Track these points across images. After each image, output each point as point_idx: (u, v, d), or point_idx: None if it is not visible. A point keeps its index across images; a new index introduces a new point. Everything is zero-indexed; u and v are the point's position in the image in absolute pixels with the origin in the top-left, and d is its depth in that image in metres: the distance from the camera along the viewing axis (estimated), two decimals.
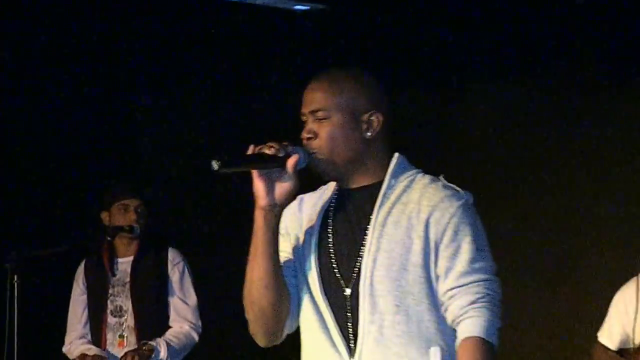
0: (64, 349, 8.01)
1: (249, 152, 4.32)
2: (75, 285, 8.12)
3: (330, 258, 4.44)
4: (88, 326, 8.00)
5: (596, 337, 6.94)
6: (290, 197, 4.38)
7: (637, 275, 6.87)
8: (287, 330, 4.45)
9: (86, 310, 8.07)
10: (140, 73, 11.02)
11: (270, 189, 4.32)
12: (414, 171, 4.46)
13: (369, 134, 4.42)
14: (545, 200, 9.12)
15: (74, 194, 8.26)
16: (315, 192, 4.54)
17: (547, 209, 9.07)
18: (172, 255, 8.22)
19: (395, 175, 4.43)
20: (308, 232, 4.46)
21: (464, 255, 4.26)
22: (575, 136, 9.09)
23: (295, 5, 9.40)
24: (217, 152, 4.25)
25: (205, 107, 11.14)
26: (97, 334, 8.01)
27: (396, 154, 4.46)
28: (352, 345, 4.36)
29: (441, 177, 4.41)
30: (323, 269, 4.42)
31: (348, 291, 4.37)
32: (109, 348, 7.99)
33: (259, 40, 10.14)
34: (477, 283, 4.26)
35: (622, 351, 6.95)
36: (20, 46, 9.92)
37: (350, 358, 4.35)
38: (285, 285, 4.42)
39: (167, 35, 10.26)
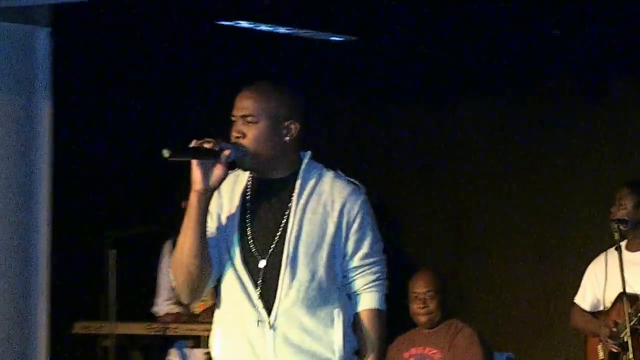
0: (153, 309, 8.00)
1: (192, 144, 4.27)
2: (162, 259, 8.03)
3: (248, 235, 4.38)
4: (174, 290, 7.86)
5: (574, 301, 6.97)
6: (220, 184, 4.36)
7: (605, 251, 6.82)
8: (206, 290, 4.52)
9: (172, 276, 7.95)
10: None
11: (205, 176, 4.26)
12: (320, 166, 4.50)
13: (287, 138, 4.40)
14: (533, 193, 8.80)
15: (163, 184, 8.12)
16: (229, 177, 4.42)
17: (534, 200, 8.79)
18: None
19: (307, 170, 4.43)
20: (230, 213, 4.44)
21: (368, 240, 4.37)
22: (556, 136, 8.81)
23: (331, 36, 9.07)
24: (168, 143, 4.27)
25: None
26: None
27: (307, 152, 4.50)
28: (270, 304, 4.31)
29: (339, 171, 4.49)
30: (243, 244, 4.37)
31: (262, 263, 4.33)
32: (192, 307, 7.81)
33: (300, 68, 9.58)
34: (376, 263, 4.39)
35: (594, 313, 6.89)
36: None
37: (268, 315, 4.31)
38: (209, 255, 4.38)
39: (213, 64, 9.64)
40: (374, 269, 4.39)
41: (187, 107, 9.74)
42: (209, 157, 4.30)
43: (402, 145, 9.36)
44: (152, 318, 7.91)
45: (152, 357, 8.01)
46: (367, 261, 4.38)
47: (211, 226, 4.42)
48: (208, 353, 7.44)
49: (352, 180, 4.48)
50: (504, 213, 8.95)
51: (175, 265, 4.44)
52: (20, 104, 8.64)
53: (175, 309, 7.87)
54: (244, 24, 8.67)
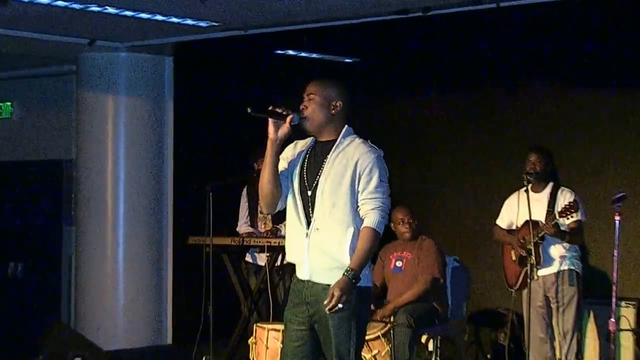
0: (237, 229, 7.78)
1: (270, 108, 4.28)
2: (242, 198, 7.87)
3: (304, 176, 4.34)
4: (249, 217, 7.81)
5: (495, 222, 6.85)
6: (285, 138, 4.33)
7: (518, 191, 6.58)
8: (279, 207, 4.41)
9: (247, 210, 7.81)
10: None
11: (276, 130, 4.26)
12: (354, 136, 4.36)
13: (333, 111, 4.33)
14: (476, 156, 8.63)
15: (242, 155, 7.83)
16: (303, 140, 4.45)
17: (476, 159, 8.64)
18: None
19: (344, 136, 4.33)
20: (296, 160, 4.38)
21: (373, 183, 4.25)
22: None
23: (345, 58, 9.05)
24: (252, 104, 4.28)
25: None
26: (253, 221, 7.75)
27: (346, 125, 4.38)
28: (310, 220, 4.29)
29: (366, 140, 4.39)
30: (300, 180, 4.35)
31: (309, 193, 4.30)
32: (260, 228, 7.68)
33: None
34: (377, 199, 4.25)
35: (509, 231, 6.71)
36: None
37: (307, 228, 4.28)
38: (280, 182, 4.35)
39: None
40: (375, 202, 4.23)
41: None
42: (278, 118, 4.26)
43: (386, 127, 8.86)
44: (235, 234, 7.65)
45: (234, 259, 7.72)
46: (370, 196, 4.23)
47: (283, 165, 4.37)
48: (269, 255, 7.29)
49: (372, 145, 4.35)
50: (457, 169, 8.71)
51: (260, 188, 4.38)
52: (155, 106, 8.89)
53: (249, 229, 7.68)
54: (290, 52, 8.70)
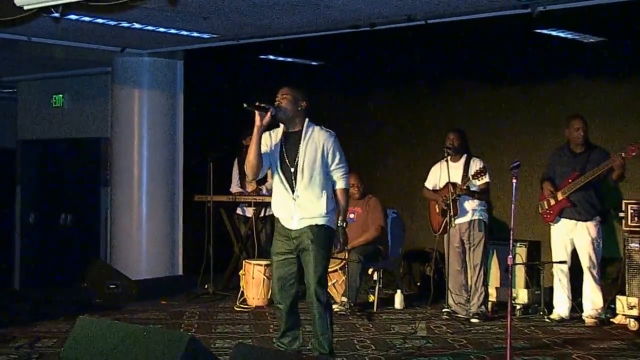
0: (230, 189, 7.68)
1: (256, 103, 4.43)
2: (234, 166, 7.76)
3: (284, 157, 4.54)
4: (239, 181, 7.65)
5: (424, 184, 6.65)
6: (267, 125, 4.49)
7: (440, 161, 6.44)
8: (260, 175, 4.59)
9: (238, 175, 7.65)
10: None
11: (261, 119, 4.42)
12: (313, 125, 4.57)
13: (299, 108, 4.54)
14: (415, 138, 8.49)
15: (234, 135, 7.74)
16: (274, 131, 4.60)
17: (413, 140, 8.49)
18: None
19: (307, 126, 4.54)
20: (275, 146, 4.57)
21: (337, 157, 4.52)
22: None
23: (312, 61, 8.89)
24: (247, 101, 4.44)
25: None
26: (242, 183, 7.58)
27: (307, 119, 4.57)
28: (294, 189, 4.49)
29: (322, 126, 4.60)
30: (282, 160, 4.55)
31: (292, 170, 4.51)
32: (247, 189, 7.53)
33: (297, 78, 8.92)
34: (342, 167, 4.55)
35: (434, 191, 6.51)
36: None
37: (292, 193, 4.51)
38: (261, 157, 4.49)
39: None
40: (341, 170, 4.54)
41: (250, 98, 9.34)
42: (263, 110, 4.44)
43: (344, 115, 8.57)
44: (229, 193, 7.57)
45: (229, 212, 7.68)
46: (337, 166, 4.52)
47: (266, 144, 4.54)
48: (255, 209, 7.28)
49: (328, 129, 4.59)
50: (395, 144, 8.59)
51: (247, 160, 4.52)
52: (169, 98, 8.78)
53: (239, 189, 7.60)
54: (271, 57, 8.57)
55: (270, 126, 4.60)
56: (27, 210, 10.10)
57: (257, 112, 4.42)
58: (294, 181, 4.49)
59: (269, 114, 4.43)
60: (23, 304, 7.14)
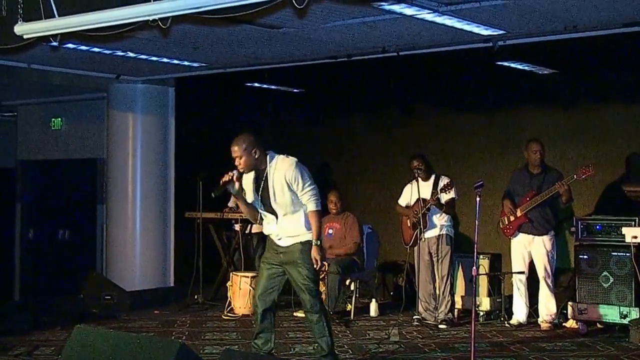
0: (229, 204, 7.43)
1: (220, 183, 4.44)
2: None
3: (259, 192, 4.49)
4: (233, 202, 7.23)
5: (397, 201, 6.66)
6: (240, 188, 4.49)
7: (411, 181, 6.48)
8: (259, 218, 4.59)
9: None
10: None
11: (233, 188, 4.45)
12: (275, 157, 4.47)
13: (256, 156, 4.43)
14: (385, 160, 8.55)
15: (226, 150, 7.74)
16: (248, 175, 4.51)
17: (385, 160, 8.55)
18: None
19: (270, 159, 4.45)
20: (251, 188, 4.51)
21: (300, 184, 4.42)
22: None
23: (294, 89, 8.97)
24: (211, 189, 4.54)
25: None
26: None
27: (267, 154, 4.47)
28: (276, 215, 4.48)
29: (285, 155, 4.50)
30: (259, 196, 4.50)
31: (268, 202, 4.46)
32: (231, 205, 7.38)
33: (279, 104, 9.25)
34: (308, 191, 4.45)
35: (406, 206, 6.53)
36: None
37: (276, 220, 4.50)
38: (253, 206, 4.55)
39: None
40: (308, 194, 4.44)
41: (236, 124, 8.83)
42: (229, 184, 4.43)
43: (322, 138, 8.76)
44: (218, 210, 7.33)
45: (217, 228, 7.58)
46: (303, 192, 4.42)
47: (249, 196, 4.52)
48: (242, 225, 7.12)
49: (288, 156, 4.47)
50: (370, 165, 8.60)
51: (243, 213, 4.67)
52: (161, 122, 8.70)
53: (234, 205, 7.18)
54: (256, 84, 8.62)
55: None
56: (27, 226, 10.03)
57: (227, 188, 4.43)
58: (273, 211, 4.48)
59: (235, 182, 4.42)
60: (23, 314, 7.10)
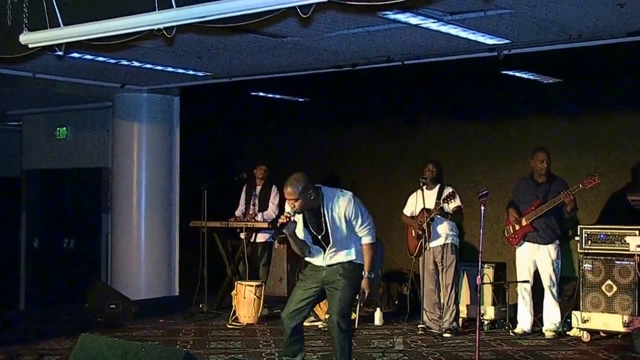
0: (235, 212, 7.54)
1: (279, 224, 4.37)
2: (242, 193, 7.59)
3: (310, 228, 4.44)
4: (245, 206, 7.54)
5: (402, 211, 6.66)
6: (295, 228, 4.42)
7: (416, 190, 6.47)
8: (308, 253, 4.54)
9: (245, 202, 7.54)
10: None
11: (289, 228, 4.36)
12: (330, 194, 4.42)
13: (312, 197, 4.34)
14: (384, 167, 8.43)
15: (230, 159, 7.69)
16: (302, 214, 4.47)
17: (385, 168, 8.44)
18: (274, 188, 7.43)
19: (326, 201, 4.38)
20: (304, 223, 4.44)
21: (359, 220, 4.39)
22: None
23: (298, 98, 8.89)
24: (277, 238, 4.70)
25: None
26: (247, 209, 7.49)
27: (321, 192, 4.39)
28: (325, 248, 4.45)
29: (341, 189, 4.47)
30: (310, 231, 4.45)
31: (319, 237, 4.42)
32: (248, 214, 7.48)
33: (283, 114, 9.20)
34: (366, 226, 4.43)
35: (411, 217, 6.54)
36: None
37: (324, 252, 4.47)
38: (305, 242, 4.49)
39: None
40: (366, 228, 4.42)
41: (242, 133, 9.05)
42: (288, 225, 4.32)
43: (328, 148, 8.69)
44: (222, 219, 7.30)
45: (221, 237, 7.49)
46: (361, 226, 4.40)
47: (298, 231, 4.44)
48: (246, 234, 7.06)
49: (343, 191, 4.45)
50: (375, 175, 8.48)
51: (296, 250, 4.53)
52: (166, 131, 8.75)
53: (240, 213, 7.47)
54: (261, 93, 8.53)
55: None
56: (32, 235, 10.08)
57: (285, 229, 4.37)
58: (324, 246, 4.46)
59: (292, 223, 4.37)
60: (28, 323, 7.11)
